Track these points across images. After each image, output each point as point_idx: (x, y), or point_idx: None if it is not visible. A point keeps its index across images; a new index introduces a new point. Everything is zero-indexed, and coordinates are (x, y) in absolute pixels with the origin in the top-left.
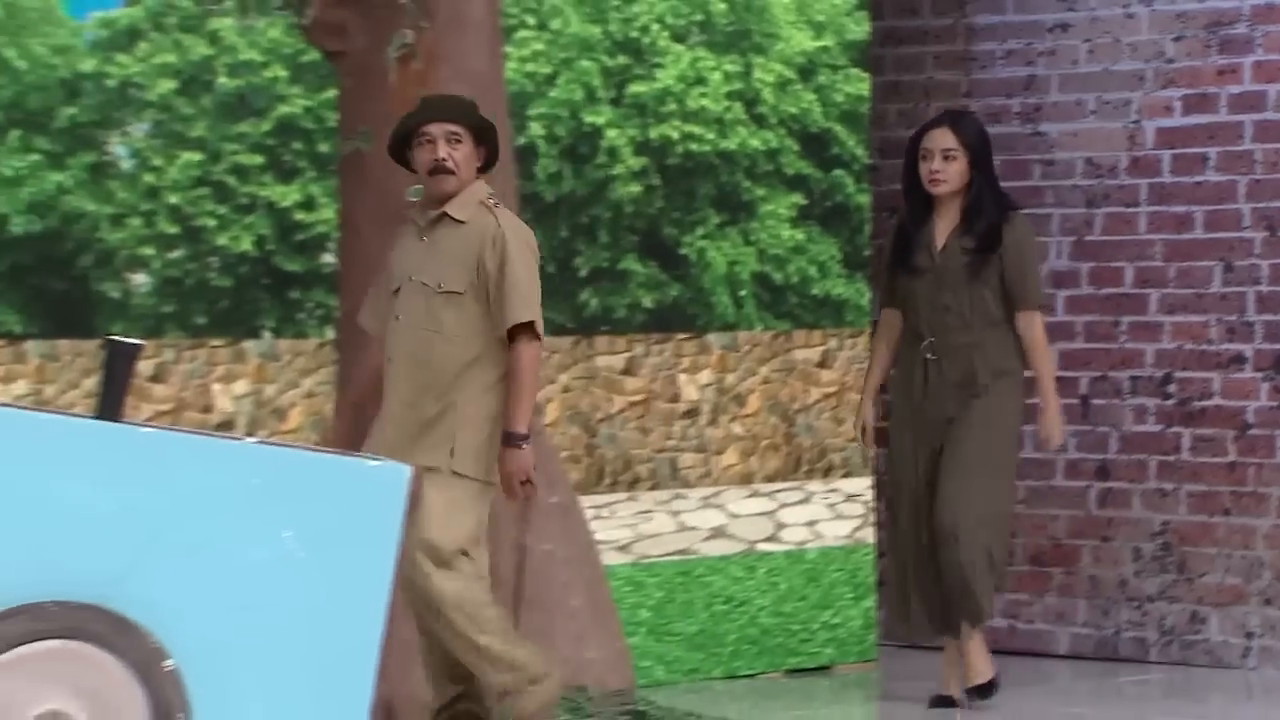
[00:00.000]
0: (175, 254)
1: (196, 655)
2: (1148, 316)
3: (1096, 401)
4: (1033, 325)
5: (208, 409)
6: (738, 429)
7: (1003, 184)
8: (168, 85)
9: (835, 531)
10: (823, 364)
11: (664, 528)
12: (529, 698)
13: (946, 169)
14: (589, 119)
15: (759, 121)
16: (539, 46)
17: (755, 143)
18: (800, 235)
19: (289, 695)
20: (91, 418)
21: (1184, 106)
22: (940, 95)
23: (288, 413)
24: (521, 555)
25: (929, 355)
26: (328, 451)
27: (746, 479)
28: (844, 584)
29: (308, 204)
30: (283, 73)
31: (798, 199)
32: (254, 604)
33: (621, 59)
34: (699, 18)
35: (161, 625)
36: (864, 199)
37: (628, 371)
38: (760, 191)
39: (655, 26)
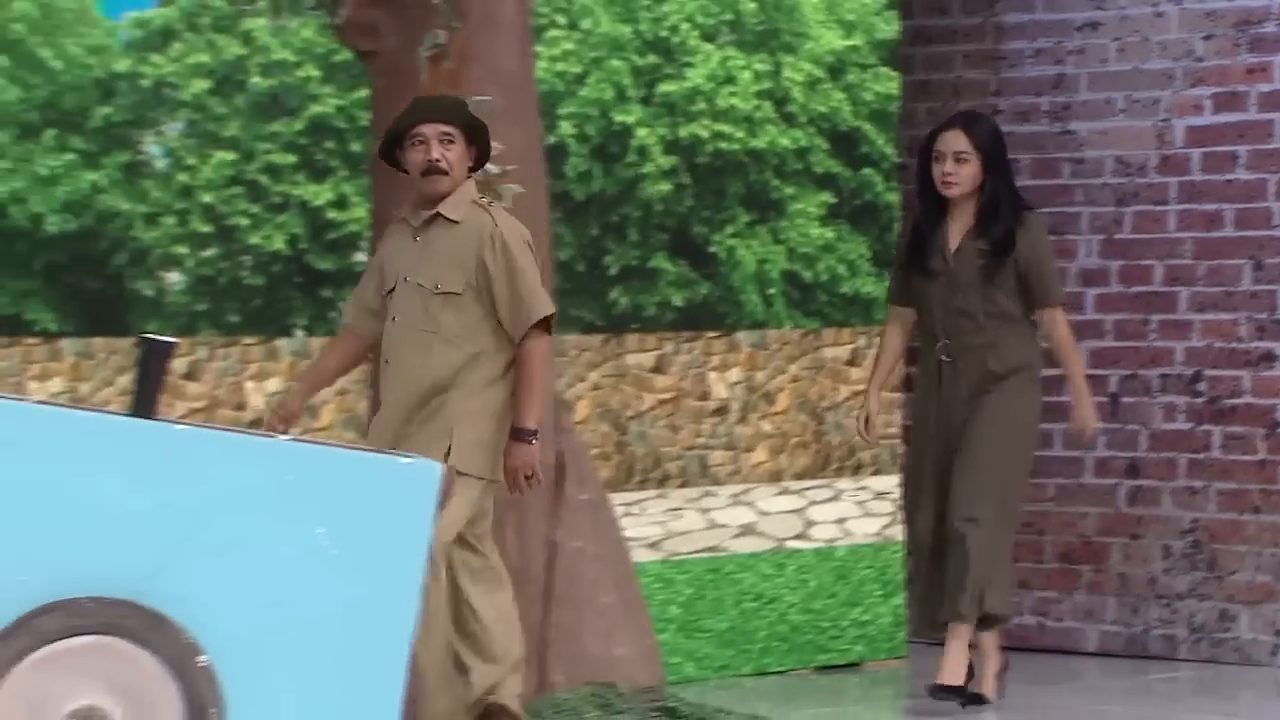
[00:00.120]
0: (209, 253)
1: (230, 651)
2: (1177, 314)
3: (1126, 399)
4: (1056, 322)
5: (241, 406)
6: (767, 427)
7: (1032, 182)
8: (201, 85)
9: (864, 529)
10: (852, 362)
11: (694, 525)
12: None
13: (959, 171)
14: (619, 118)
15: (788, 120)
16: (569, 46)
17: (785, 141)
18: (829, 233)
19: (321, 691)
20: (126, 415)
21: (1214, 105)
22: (969, 94)
23: (320, 410)
24: (552, 552)
25: (943, 357)
26: (360, 449)
27: (776, 476)
28: (873, 581)
29: (340, 203)
30: (315, 72)
31: (827, 197)
32: (286, 600)
33: (651, 58)
34: (729, 17)
35: (195, 621)
36: (893, 197)
37: (657, 369)
38: (789, 190)
39: (685, 26)
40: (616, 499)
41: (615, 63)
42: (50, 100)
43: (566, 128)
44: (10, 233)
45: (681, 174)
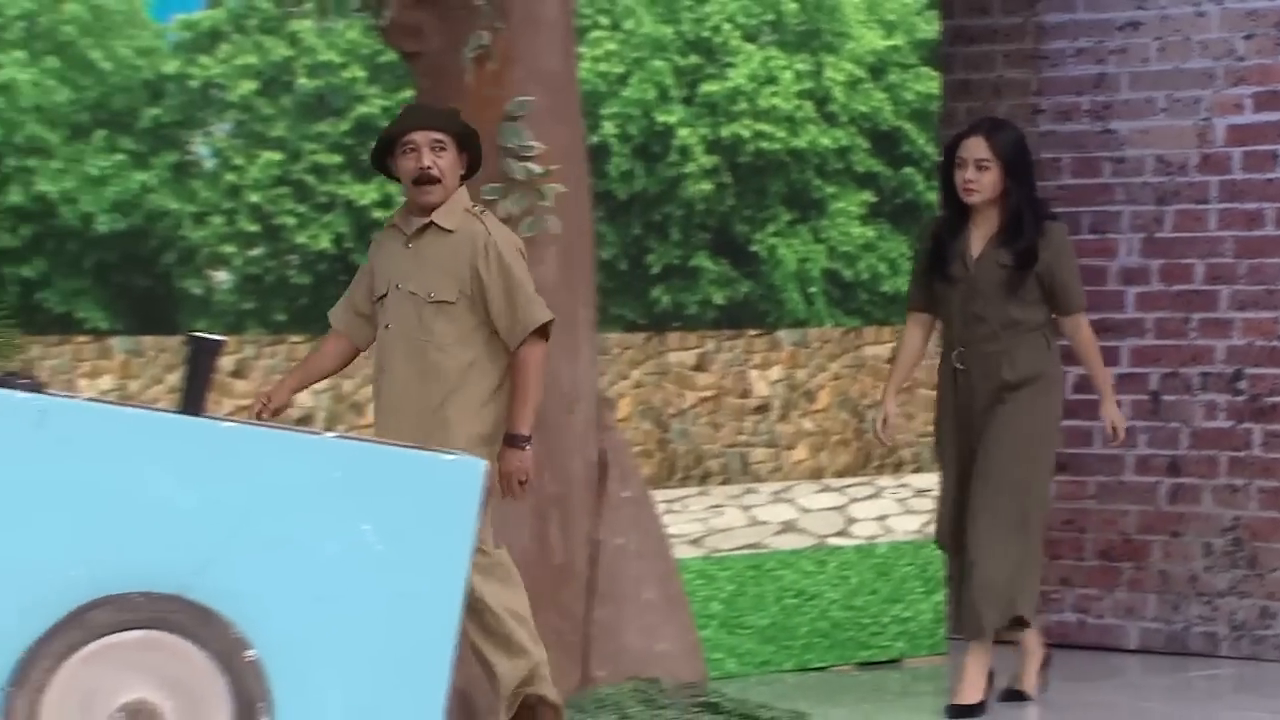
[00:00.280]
0: (256, 252)
1: (278, 645)
2: (1218, 313)
3: (1167, 397)
4: (1079, 328)
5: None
6: (808, 424)
7: (1073, 181)
8: (249, 86)
9: (905, 526)
10: (892, 360)
11: (735, 522)
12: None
13: (980, 179)
14: (661, 118)
15: (830, 120)
16: (612, 46)
17: (826, 141)
18: (870, 232)
19: (367, 685)
20: (175, 413)
21: (1254, 104)
22: (1010, 93)
23: (365, 407)
24: (595, 549)
25: (958, 365)
26: (405, 446)
27: (817, 474)
28: (914, 578)
29: (385, 202)
30: (361, 73)
31: (868, 196)
32: (333, 595)
33: (693, 58)
34: (770, 17)
35: (243, 616)
36: (933, 196)
37: (699, 367)
38: (831, 189)
39: (727, 26)
40: (658, 496)
41: (657, 63)
42: (100, 101)
43: (609, 127)
44: (61, 232)
45: (723, 173)
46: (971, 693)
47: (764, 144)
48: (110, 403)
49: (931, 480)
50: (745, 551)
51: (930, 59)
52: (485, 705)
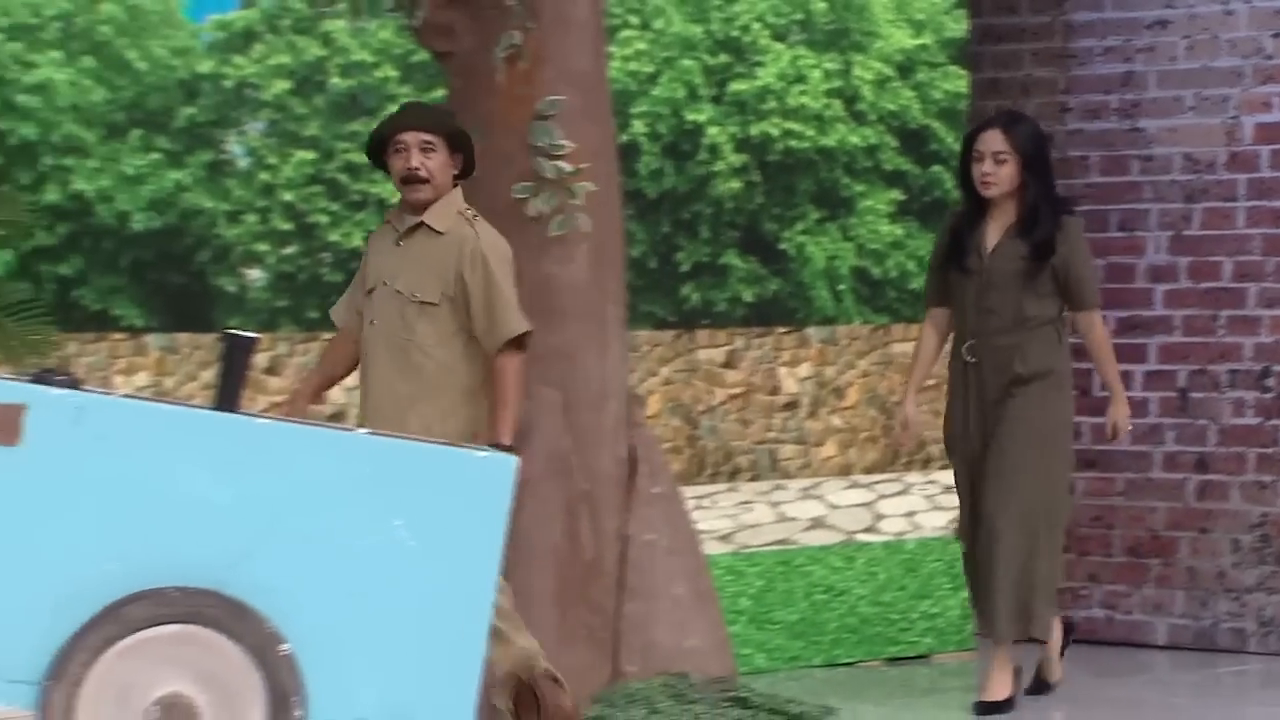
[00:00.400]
0: (289, 250)
1: (311, 639)
2: (1246, 310)
3: (1195, 395)
4: (1093, 326)
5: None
6: (837, 421)
7: (1101, 179)
8: (282, 85)
9: (933, 522)
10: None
11: (764, 518)
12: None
13: (998, 172)
14: (690, 116)
15: (858, 118)
16: (642, 46)
17: (854, 139)
18: (899, 230)
19: (399, 679)
20: (210, 409)
21: None
22: (1038, 92)
23: None
24: (625, 545)
25: (969, 358)
26: (436, 442)
27: (845, 470)
28: (942, 574)
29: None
30: (393, 73)
31: (896, 195)
32: (365, 590)
33: (723, 57)
34: (799, 17)
35: (278, 610)
36: None
37: (728, 364)
38: (859, 187)
39: (756, 25)
40: (688, 492)
41: (687, 62)
42: (136, 101)
43: (639, 126)
44: (97, 230)
45: (752, 172)
46: (999, 689)
47: (793, 142)
48: (146, 399)
49: None
50: (774, 547)
51: (958, 58)
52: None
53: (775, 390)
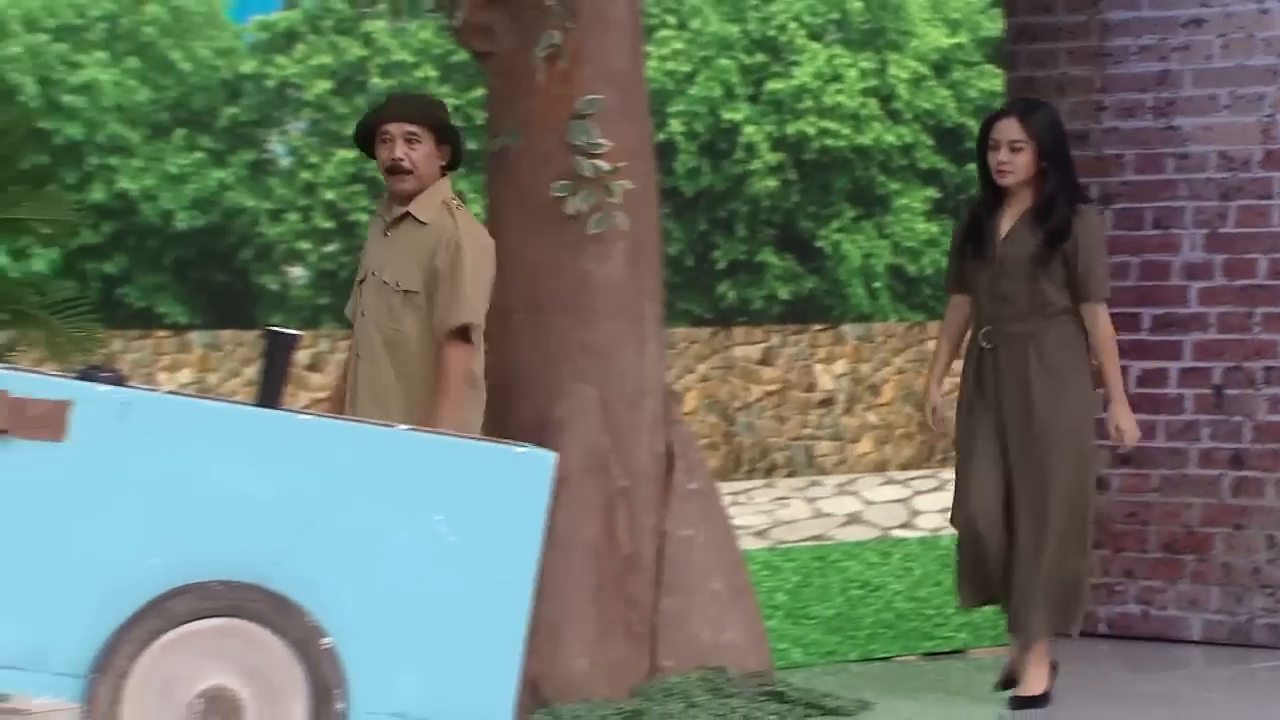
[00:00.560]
0: (330, 248)
1: (353, 633)
2: None
3: (1230, 391)
4: (1097, 318)
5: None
6: (872, 418)
7: (1136, 177)
8: (324, 85)
9: None
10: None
11: (800, 514)
12: None
13: (1014, 160)
14: (727, 115)
15: (894, 117)
16: (679, 45)
17: (890, 138)
18: (934, 228)
19: (439, 672)
20: (252, 405)
21: None
22: (1074, 90)
23: None
24: (662, 540)
25: (985, 344)
26: (476, 438)
27: (881, 466)
28: None
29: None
30: (433, 73)
31: (932, 193)
32: (406, 585)
33: (759, 57)
34: (835, 16)
35: (319, 604)
36: None
37: (765, 361)
38: (895, 185)
39: (792, 25)
40: (725, 488)
41: (724, 61)
42: (180, 101)
43: (676, 125)
44: (142, 229)
45: (788, 170)
46: (1035, 684)
47: (829, 141)
48: (190, 395)
49: None
50: (810, 543)
51: (994, 56)
52: (552, 694)
53: (811, 387)
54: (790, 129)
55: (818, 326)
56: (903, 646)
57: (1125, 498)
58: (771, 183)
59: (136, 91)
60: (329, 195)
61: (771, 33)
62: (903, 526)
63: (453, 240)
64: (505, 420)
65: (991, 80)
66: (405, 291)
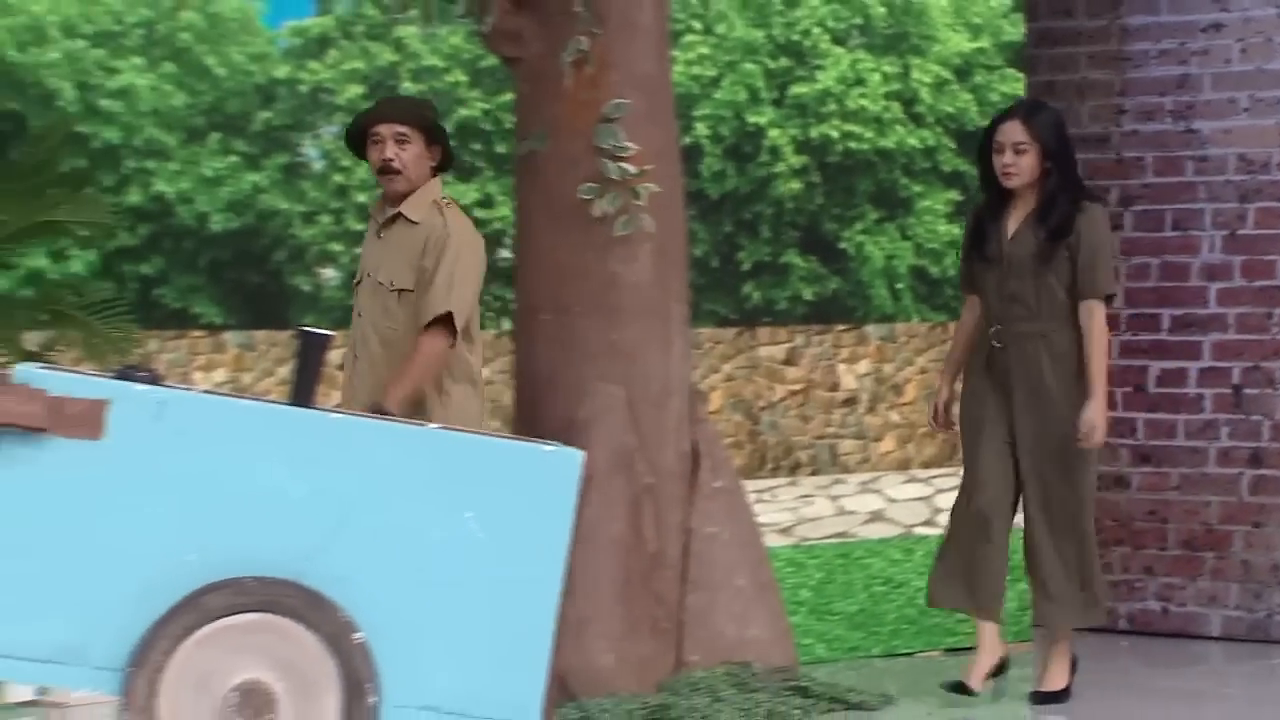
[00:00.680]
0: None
1: (384, 629)
2: None
3: (1249, 391)
4: (1093, 314)
5: None
6: (895, 417)
7: (1156, 180)
8: (356, 90)
9: None
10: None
11: (824, 511)
12: None
13: (1018, 162)
14: (752, 119)
15: (916, 120)
16: (705, 50)
17: (913, 141)
18: (956, 230)
19: (469, 667)
20: (286, 404)
21: None
22: (1094, 94)
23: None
24: (688, 537)
25: (995, 343)
26: (506, 437)
27: (904, 465)
28: None
29: (486, 202)
30: (463, 77)
31: (954, 195)
32: (437, 581)
33: (783, 61)
34: (859, 21)
35: (352, 600)
36: None
37: (789, 361)
38: (917, 188)
39: (816, 30)
40: (749, 486)
41: (749, 66)
42: (215, 105)
43: (701, 129)
44: (178, 231)
45: (812, 173)
46: (1056, 679)
47: (852, 144)
48: (224, 395)
49: None
50: (834, 540)
51: (1015, 61)
52: (580, 690)
53: (835, 387)
54: (814, 132)
55: (841, 327)
56: (925, 642)
57: (1145, 495)
58: (795, 185)
59: (173, 96)
60: (361, 198)
61: (796, 37)
62: (925, 524)
63: (440, 238)
64: (533, 419)
65: (1013, 84)
66: (399, 290)
